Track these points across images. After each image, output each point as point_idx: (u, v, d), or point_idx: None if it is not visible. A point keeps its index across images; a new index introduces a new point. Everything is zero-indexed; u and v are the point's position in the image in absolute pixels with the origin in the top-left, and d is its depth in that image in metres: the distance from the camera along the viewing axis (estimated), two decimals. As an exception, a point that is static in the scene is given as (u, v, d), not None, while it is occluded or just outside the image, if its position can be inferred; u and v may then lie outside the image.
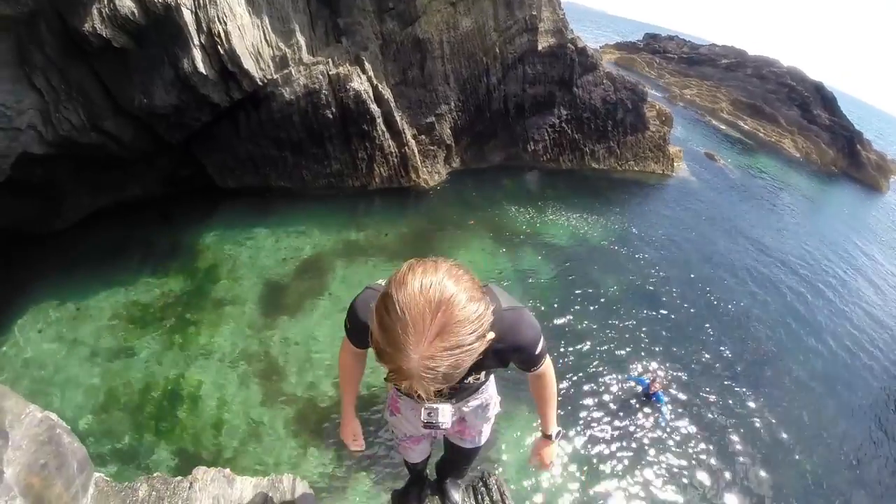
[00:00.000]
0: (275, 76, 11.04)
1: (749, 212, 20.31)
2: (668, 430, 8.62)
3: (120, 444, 6.58)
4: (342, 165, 12.64)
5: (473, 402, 1.94)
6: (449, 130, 14.71)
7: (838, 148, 32.30)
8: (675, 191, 19.17)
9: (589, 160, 18.01)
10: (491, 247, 12.40)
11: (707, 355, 10.71)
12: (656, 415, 8.72)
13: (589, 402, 8.74)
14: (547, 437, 1.95)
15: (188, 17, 9.41)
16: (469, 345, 0.96)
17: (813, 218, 23.04)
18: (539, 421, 1.93)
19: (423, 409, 1.29)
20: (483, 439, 2.19)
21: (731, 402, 9.69)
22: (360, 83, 12.04)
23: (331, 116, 11.88)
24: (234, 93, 10.53)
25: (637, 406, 8.89)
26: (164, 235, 10.39)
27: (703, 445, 8.53)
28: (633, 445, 8.20)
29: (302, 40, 11.47)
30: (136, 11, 8.78)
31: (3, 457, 1.72)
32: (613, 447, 8.08)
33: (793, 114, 32.95)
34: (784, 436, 9.30)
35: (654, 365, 9.96)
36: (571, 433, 8.08)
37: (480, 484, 3.06)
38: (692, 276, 13.59)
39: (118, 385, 7.30)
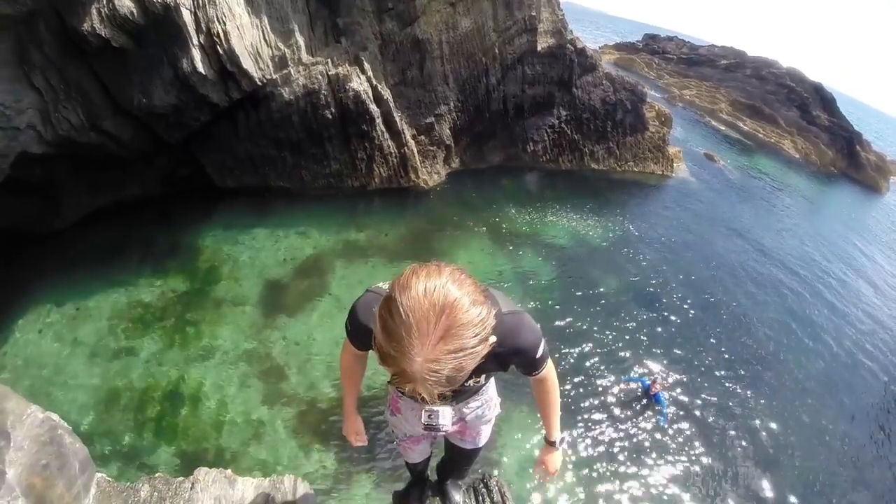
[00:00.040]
0: (274, 76, 11.04)
1: (748, 212, 20.33)
2: (668, 430, 8.63)
3: (121, 445, 6.58)
4: (341, 165, 12.64)
5: (473, 404, 1.94)
6: (448, 131, 14.71)
7: (837, 149, 32.35)
8: (675, 191, 19.19)
9: (588, 161, 18.02)
10: (490, 247, 12.41)
11: (707, 356, 10.72)
12: (657, 416, 8.72)
13: (589, 402, 8.75)
14: (551, 443, 1.95)
15: (187, 16, 9.41)
16: (472, 348, 0.96)
17: (812, 219, 23.07)
18: (542, 425, 1.94)
19: (423, 412, 1.29)
20: (483, 440, 2.20)
21: (731, 402, 9.71)
22: (359, 83, 12.04)
23: (330, 116, 11.88)
24: (233, 93, 10.53)
25: (637, 407, 8.90)
26: (163, 235, 10.38)
27: (703, 446, 8.54)
28: (634, 446, 8.21)
29: (301, 40, 11.47)
30: (135, 11, 8.78)
31: (5, 457, 1.72)
32: (614, 448, 8.09)
33: (792, 114, 32.99)
34: (785, 436, 9.31)
35: (654, 366, 9.97)
36: (572, 434, 8.08)
37: (481, 485, 3.06)
38: (692, 277, 13.61)
39: (119, 385, 7.30)
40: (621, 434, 8.36)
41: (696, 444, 8.55)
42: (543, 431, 1.96)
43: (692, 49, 43.51)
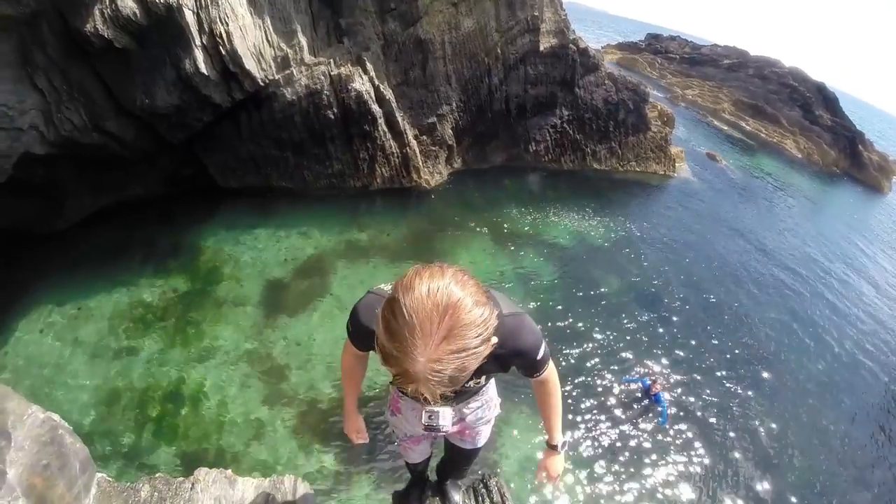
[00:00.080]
0: (276, 76, 11.05)
1: (750, 212, 20.29)
2: (668, 431, 8.61)
3: (122, 445, 6.59)
4: (343, 166, 12.65)
5: (474, 404, 1.94)
6: (450, 131, 14.71)
7: (840, 148, 32.27)
8: (677, 191, 19.16)
9: (590, 161, 18.01)
10: (492, 248, 12.40)
11: (708, 356, 10.70)
12: (657, 416, 8.71)
13: (590, 402, 8.74)
14: (553, 447, 1.93)
15: (190, 17, 9.42)
16: (475, 348, 0.97)
17: (814, 219, 23.02)
18: (542, 426, 1.93)
19: (423, 412, 1.30)
20: (482, 440, 2.20)
21: (732, 403, 9.69)
22: (361, 84, 12.05)
23: (332, 117, 11.89)
24: (235, 93, 10.54)
25: (638, 407, 8.88)
26: (165, 235, 10.40)
27: (704, 446, 8.52)
28: (634, 446, 8.20)
29: (304, 41, 11.48)
30: (137, 12, 8.79)
31: (6, 458, 1.72)
32: (614, 448, 8.08)
33: (794, 114, 32.92)
34: (785, 437, 9.29)
35: (655, 366, 9.95)
36: (573, 434, 8.08)
37: (481, 485, 3.07)
38: (694, 277, 13.58)
39: (120, 385, 7.31)
40: (621, 434, 8.34)
41: (697, 444, 8.54)
42: (544, 432, 1.95)
43: (695, 49, 43.46)
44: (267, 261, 10.27)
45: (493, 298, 1.32)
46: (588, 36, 29.94)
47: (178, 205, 11.30)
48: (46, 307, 8.28)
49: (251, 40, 10.44)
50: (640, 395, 9.02)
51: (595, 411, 8.61)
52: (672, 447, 8.37)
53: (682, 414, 9.06)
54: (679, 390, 9.57)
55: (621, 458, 7.93)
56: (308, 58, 11.58)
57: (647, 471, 7.86)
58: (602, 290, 11.79)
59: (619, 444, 8.17)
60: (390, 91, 13.05)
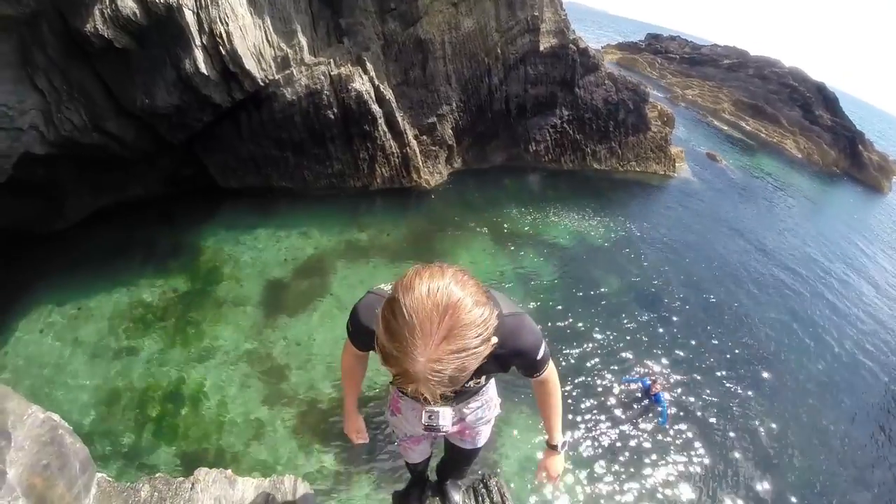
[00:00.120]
0: (276, 77, 11.05)
1: (750, 212, 20.29)
2: (668, 431, 8.61)
3: (122, 445, 6.59)
4: (343, 166, 12.65)
5: (474, 404, 1.94)
6: (450, 131, 14.71)
7: (840, 148, 32.27)
8: (677, 191, 19.16)
9: (590, 161, 18.01)
10: (492, 248, 12.40)
11: (708, 356, 10.70)
12: (657, 416, 8.71)
13: (590, 402, 8.74)
14: (552, 447, 1.93)
15: (190, 17, 9.42)
16: (475, 348, 0.97)
17: (814, 219, 23.02)
18: (542, 426, 1.92)
19: (423, 412, 1.30)
20: (482, 440, 2.20)
21: (732, 403, 9.69)
22: (361, 84, 12.05)
23: (332, 117, 11.89)
24: (235, 93, 10.54)
25: (638, 407, 8.88)
26: (165, 235, 10.40)
27: (703, 446, 8.52)
28: (634, 446, 8.20)
29: (304, 41, 11.48)
30: (137, 12, 8.79)
31: (6, 457, 1.72)
32: (614, 448, 8.08)
33: (794, 114, 32.92)
34: (785, 437, 9.29)
35: (655, 366, 9.95)
36: (573, 434, 8.08)
37: (481, 485, 3.07)
38: (694, 277, 13.58)
39: (120, 385, 7.31)
40: (621, 434, 8.34)
41: (697, 444, 8.54)
42: (544, 432, 1.95)
43: (695, 49, 43.46)
44: (267, 261, 10.27)
45: (493, 298, 1.32)
46: (588, 36, 29.95)
47: (178, 205, 11.30)
48: (46, 307, 8.28)
49: (251, 40, 10.44)
50: (640, 395, 9.02)
51: (595, 411, 8.61)
52: (672, 447, 8.37)
53: (682, 414, 9.06)
54: (679, 390, 9.57)
55: (621, 458, 7.93)
56: (308, 58, 11.58)
57: (647, 471, 7.86)
58: (602, 290, 11.79)
59: (619, 444, 8.17)
60: (390, 91, 13.06)
